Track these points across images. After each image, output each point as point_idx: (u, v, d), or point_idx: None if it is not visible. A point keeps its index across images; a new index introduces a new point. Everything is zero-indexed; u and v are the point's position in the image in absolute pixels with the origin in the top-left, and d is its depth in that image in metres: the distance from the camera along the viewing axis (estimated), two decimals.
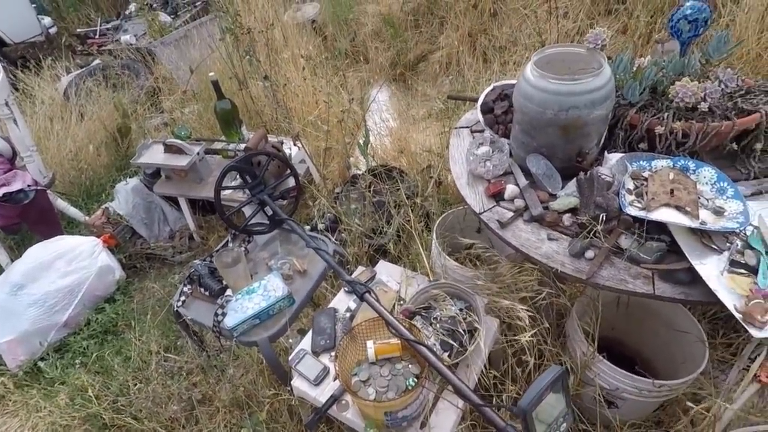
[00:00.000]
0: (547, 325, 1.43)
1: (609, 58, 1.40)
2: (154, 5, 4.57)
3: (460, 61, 3.60)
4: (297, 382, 1.41)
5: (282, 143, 2.55)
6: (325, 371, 1.40)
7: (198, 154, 2.46)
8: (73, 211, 2.77)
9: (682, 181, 1.21)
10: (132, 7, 4.82)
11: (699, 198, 1.18)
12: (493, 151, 1.48)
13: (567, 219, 1.29)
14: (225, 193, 2.22)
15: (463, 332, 1.37)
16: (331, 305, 1.62)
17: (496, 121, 1.63)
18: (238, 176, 2.17)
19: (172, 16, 4.37)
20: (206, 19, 4.26)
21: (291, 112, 2.97)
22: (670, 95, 1.32)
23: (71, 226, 2.85)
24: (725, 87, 1.32)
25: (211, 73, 2.46)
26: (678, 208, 1.15)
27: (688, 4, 1.42)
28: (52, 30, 4.89)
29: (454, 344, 1.35)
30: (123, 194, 2.71)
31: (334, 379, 1.38)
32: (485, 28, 3.59)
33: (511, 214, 1.35)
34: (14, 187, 2.34)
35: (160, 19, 4.17)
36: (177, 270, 2.64)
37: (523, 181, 1.42)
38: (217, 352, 1.91)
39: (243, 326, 1.52)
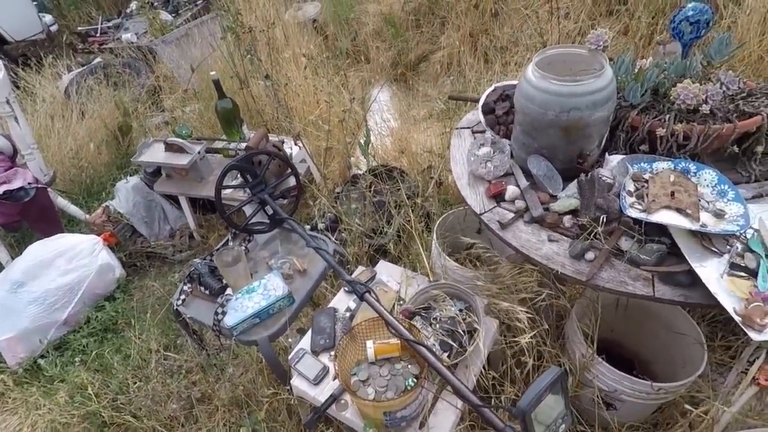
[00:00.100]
0: (547, 327, 1.44)
1: (610, 59, 1.39)
2: (156, 4, 4.57)
3: (461, 61, 3.60)
4: (296, 382, 1.41)
5: (283, 142, 2.55)
6: (325, 371, 1.40)
7: (199, 152, 2.46)
8: (73, 209, 2.77)
9: (683, 184, 1.21)
10: (133, 5, 4.82)
11: (700, 200, 1.18)
12: (494, 152, 1.48)
13: (567, 220, 1.29)
14: (226, 192, 2.22)
15: (462, 333, 1.37)
16: (330, 305, 1.62)
17: (497, 122, 1.62)
18: (238, 175, 2.16)
19: (173, 15, 4.37)
20: (207, 17, 4.26)
21: (292, 111, 2.97)
22: (671, 97, 1.31)
23: (72, 224, 2.85)
24: (727, 89, 1.32)
25: (213, 72, 2.46)
26: (679, 210, 1.15)
27: (690, 5, 1.42)
28: (53, 28, 4.89)
29: (454, 345, 1.35)
30: (123, 193, 2.71)
31: (334, 379, 1.38)
32: (486, 28, 3.58)
33: (511, 215, 1.35)
34: (15, 184, 2.34)
35: (161, 18, 4.16)
36: (177, 268, 2.64)
37: (523, 182, 1.42)
38: (217, 351, 1.91)
39: (243, 325, 1.52)
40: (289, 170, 1.92)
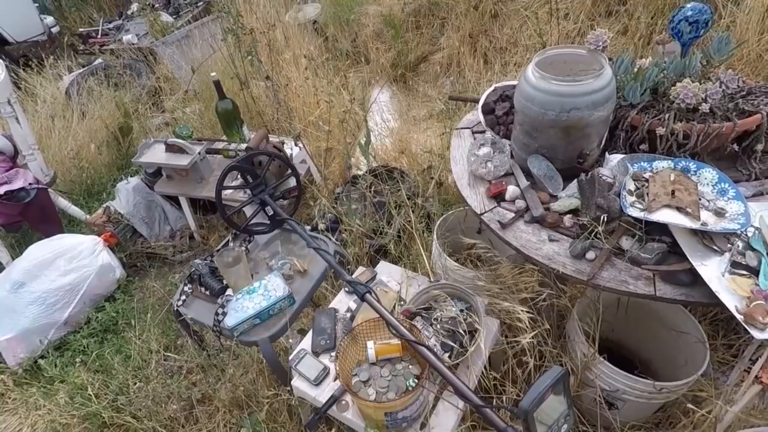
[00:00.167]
0: (548, 327, 1.43)
1: (610, 59, 1.40)
2: (156, 5, 4.58)
3: (461, 62, 3.61)
4: (297, 382, 1.41)
5: (283, 143, 2.55)
6: (325, 371, 1.40)
7: (199, 153, 2.46)
8: (74, 210, 2.77)
9: (683, 183, 1.21)
10: (134, 7, 4.84)
11: (700, 199, 1.18)
12: (494, 152, 1.48)
13: (568, 220, 1.29)
14: (226, 192, 2.22)
15: (463, 333, 1.37)
16: (331, 305, 1.61)
17: (497, 122, 1.63)
18: (239, 176, 2.17)
19: (174, 16, 4.38)
20: (208, 19, 4.27)
21: (292, 112, 2.97)
22: (671, 96, 1.32)
23: (72, 225, 2.85)
24: (726, 88, 1.32)
25: (213, 73, 2.47)
26: (679, 209, 1.15)
27: (689, 5, 1.42)
28: (55, 29, 4.91)
29: (455, 345, 1.35)
30: (124, 193, 2.71)
31: (335, 380, 1.38)
32: (486, 29, 3.59)
33: (512, 215, 1.35)
34: (16, 185, 2.35)
35: (161, 19, 4.18)
36: (177, 269, 2.64)
37: (524, 182, 1.42)
38: (217, 352, 1.91)
39: (243, 326, 1.52)
40: (290, 171, 1.92)
